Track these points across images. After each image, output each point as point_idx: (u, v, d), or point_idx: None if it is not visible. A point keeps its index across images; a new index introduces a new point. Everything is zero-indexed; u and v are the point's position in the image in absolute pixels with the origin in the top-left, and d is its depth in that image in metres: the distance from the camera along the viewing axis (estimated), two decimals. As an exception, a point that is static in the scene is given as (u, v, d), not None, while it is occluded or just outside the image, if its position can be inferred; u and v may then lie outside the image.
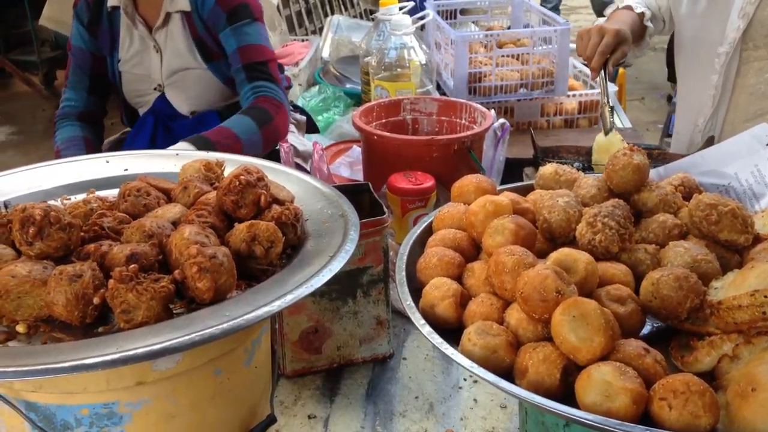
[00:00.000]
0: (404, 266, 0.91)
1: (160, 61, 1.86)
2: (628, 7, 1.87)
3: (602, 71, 1.72)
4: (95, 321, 0.77)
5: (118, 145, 1.95)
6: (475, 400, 1.22)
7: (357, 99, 2.51)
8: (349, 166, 1.99)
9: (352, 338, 1.29)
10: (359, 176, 1.87)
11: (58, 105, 1.92)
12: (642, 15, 1.85)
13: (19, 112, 4.99)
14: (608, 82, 1.74)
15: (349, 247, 0.86)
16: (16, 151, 4.45)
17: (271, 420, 0.93)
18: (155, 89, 1.89)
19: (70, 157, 1.65)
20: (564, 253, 0.83)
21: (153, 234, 0.84)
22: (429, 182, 1.54)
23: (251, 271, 0.85)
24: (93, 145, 1.81)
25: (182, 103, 1.87)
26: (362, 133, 1.69)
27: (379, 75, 2.20)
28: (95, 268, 0.77)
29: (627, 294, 0.82)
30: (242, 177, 0.90)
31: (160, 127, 1.83)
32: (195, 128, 1.70)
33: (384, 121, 1.84)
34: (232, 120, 1.69)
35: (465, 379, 1.27)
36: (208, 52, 1.84)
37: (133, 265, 0.76)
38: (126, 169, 1.12)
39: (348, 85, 2.61)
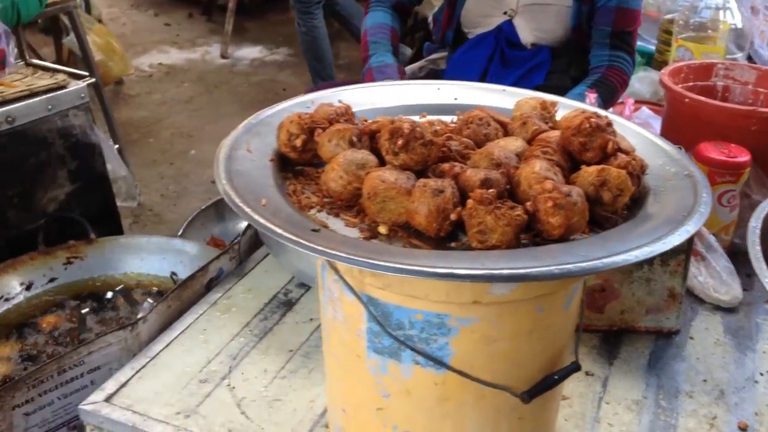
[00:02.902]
0: (758, 240, 0.83)
1: None
2: None
3: None
4: (446, 236, 0.81)
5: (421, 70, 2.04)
6: (773, 398, 1.12)
7: (648, 58, 2.35)
8: (638, 128, 1.89)
9: (639, 305, 1.25)
10: (649, 140, 1.77)
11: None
12: None
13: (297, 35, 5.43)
14: None
15: (704, 210, 0.81)
16: (292, 71, 4.88)
17: (576, 367, 0.92)
18: (504, 14, 1.91)
19: (374, 42, 1.79)
20: None
21: (501, 163, 0.86)
22: (744, 157, 1.41)
23: (594, 216, 0.83)
24: (397, 37, 1.89)
25: (528, 34, 1.89)
26: (669, 94, 1.58)
27: (683, 35, 2.03)
28: (454, 186, 0.81)
29: None
30: (593, 120, 0.88)
31: (497, 51, 1.87)
32: (529, 61, 1.72)
33: (691, 84, 1.69)
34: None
35: (762, 374, 1.17)
36: None
37: (492, 190, 0.78)
38: (456, 98, 1.15)
39: (639, 43, 2.45)
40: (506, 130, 0.99)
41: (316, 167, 0.96)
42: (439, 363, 0.86)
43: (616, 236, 0.78)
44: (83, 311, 1.72)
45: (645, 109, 1.94)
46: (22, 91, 1.79)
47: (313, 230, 0.79)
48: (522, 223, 0.77)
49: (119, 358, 1.25)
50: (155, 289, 1.82)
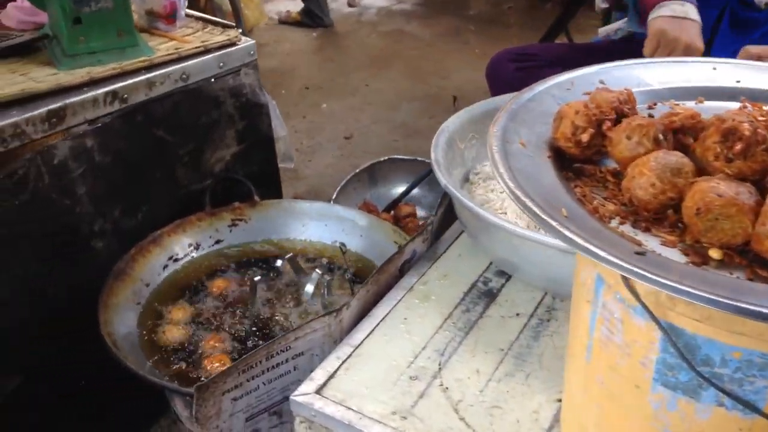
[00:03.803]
0: None
1: None
2: None
3: None
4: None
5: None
6: None
7: None
8: None
9: None
10: None
11: None
12: None
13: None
14: None
15: None
16: (419, 23, 4.69)
17: None
18: None
19: None
20: None
21: None
22: None
23: None
24: None
25: None
26: None
27: None
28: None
29: None
30: None
31: (727, 12, 1.64)
32: (764, 24, 1.50)
33: None
34: None
35: None
36: None
37: None
38: (738, 81, 0.98)
39: None
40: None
41: (597, 165, 0.83)
42: (751, 408, 0.72)
43: None
44: (255, 278, 1.68)
45: None
46: (197, 47, 1.73)
47: (638, 253, 0.66)
48: None
49: (321, 345, 1.18)
50: (324, 260, 1.76)
